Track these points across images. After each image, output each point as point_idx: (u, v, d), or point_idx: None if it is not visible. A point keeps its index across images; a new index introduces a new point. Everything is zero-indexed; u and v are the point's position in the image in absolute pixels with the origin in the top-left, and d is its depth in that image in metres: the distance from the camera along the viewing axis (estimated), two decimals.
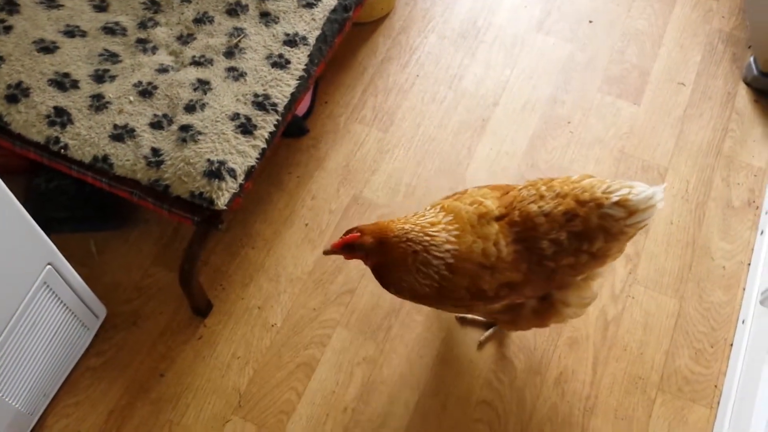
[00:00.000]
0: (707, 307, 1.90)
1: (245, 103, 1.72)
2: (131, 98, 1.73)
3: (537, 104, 2.22)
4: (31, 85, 1.71)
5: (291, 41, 1.84)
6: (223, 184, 1.61)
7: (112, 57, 1.80)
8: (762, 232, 2.00)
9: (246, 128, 1.69)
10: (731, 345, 1.85)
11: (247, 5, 1.89)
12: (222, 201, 1.61)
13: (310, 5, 1.89)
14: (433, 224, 1.42)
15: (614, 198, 1.34)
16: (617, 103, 2.23)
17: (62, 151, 1.65)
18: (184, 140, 1.65)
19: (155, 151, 1.65)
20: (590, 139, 2.16)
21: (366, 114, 2.19)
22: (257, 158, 1.68)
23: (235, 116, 1.70)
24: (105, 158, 1.65)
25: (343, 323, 1.84)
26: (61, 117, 1.68)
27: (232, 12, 1.88)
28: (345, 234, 1.46)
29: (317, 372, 1.78)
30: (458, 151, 2.13)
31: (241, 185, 1.64)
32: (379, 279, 1.50)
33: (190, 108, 1.71)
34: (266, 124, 1.71)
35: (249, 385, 1.76)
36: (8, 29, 1.78)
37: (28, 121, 1.67)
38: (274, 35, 1.85)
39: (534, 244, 1.40)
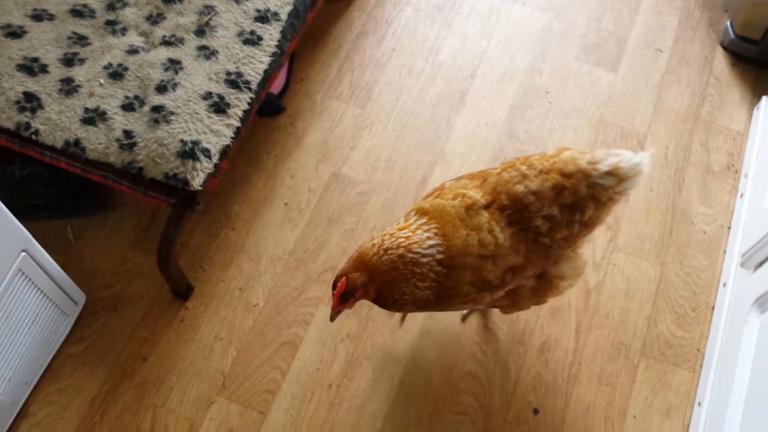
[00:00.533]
0: (688, 272, 1.91)
1: (218, 82, 1.70)
2: (101, 81, 1.70)
3: (515, 75, 2.21)
4: (0, 71, 1.68)
5: (262, 17, 1.81)
6: (198, 165, 1.59)
7: (81, 40, 1.77)
8: (742, 195, 2.00)
9: (219, 107, 1.67)
10: (713, 308, 1.86)
11: None
12: (197, 181, 1.59)
13: None
14: (401, 228, 1.38)
15: (604, 168, 1.36)
16: (595, 72, 2.22)
17: (33, 136, 1.63)
18: (156, 121, 1.63)
19: (128, 134, 1.63)
20: (569, 108, 2.15)
21: (343, 90, 2.17)
22: (232, 137, 1.66)
23: (208, 95, 1.67)
24: (77, 142, 1.62)
25: (326, 301, 1.84)
26: (30, 102, 1.65)
27: None
28: (333, 289, 1.38)
29: (301, 350, 1.78)
30: (437, 124, 2.11)
31: (216, 165, 1.63)
32: (382, 305, 1.45)
33: (161, 88, 1.68)
34: (240, 102, 1.69)
35: (233, 365, 1.76)
36: None
37: None
38: (245, 12, 1.82)
39: (528, 224, 1.39)
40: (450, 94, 2.16)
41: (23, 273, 1.49)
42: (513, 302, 1.58)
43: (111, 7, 1.82)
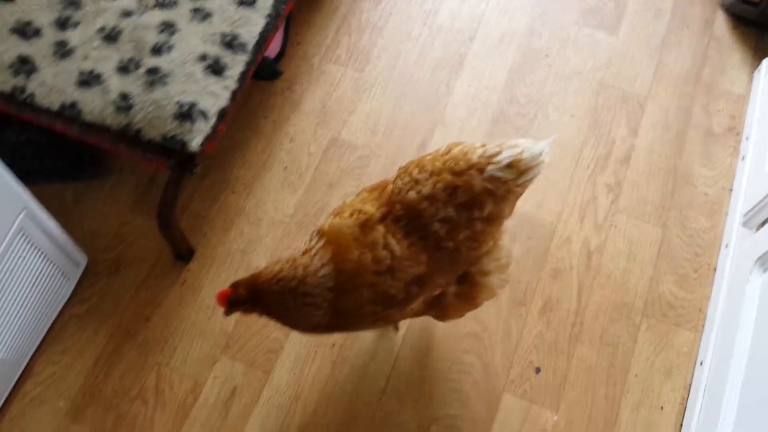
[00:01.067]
0: (690, 234, 1.91)
1: (213, 44, 1.69)
2: (96, 44, 1.69)
3: (514, 37, 2.19)
4: None
5: None
6: (195, 126, 1.58)
7: (74, 3, 1.75)
8: (743, 158, 1.99)
9: (215, 68, 1.65)
10: (715, 269, 1.85)
11: None
12: (195, 143, 1.58)
13: None
14: (305, 252, 1.34)
15: (504, 161, 1.28)
16: (595, 34, 2.20)
17: (29, 100, 1.62)
18: (152, 83, 1.62)
19: (124, 96, 1.61)
20: (569, 72, 2.13)
21: (340, 54, 2.15)
22: (229, 99, 1.64)
23: (204, 57, 1.66)
24: (73, 105, 1.61)
25: None
26: (25, 65, 1.64)
27: None
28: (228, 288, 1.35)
29: None
30: (437, 88, 2.10)
31: (213, 127, 1.61)
32: (282, 324, 1.42)
33: (156, 51, 1.67)
34: (236, 64, 1.68)
35: (236, 326, 1.76)
36: None
37: None
38: None
39: (426, 231, 1.32)
40: (449, 58, 2.15)
41: (24, 233, 1.49)
42: (442, 312, 1.52)
43: None
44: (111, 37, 1.70)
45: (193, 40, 1.69)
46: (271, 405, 1.69)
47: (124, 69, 1.66)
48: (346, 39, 2.18)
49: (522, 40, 2.18)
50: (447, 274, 1.41)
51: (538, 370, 1.74)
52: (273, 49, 2.08)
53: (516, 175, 1.30)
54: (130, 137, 1.60)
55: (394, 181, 1.36)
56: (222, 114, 1.64)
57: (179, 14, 1.73)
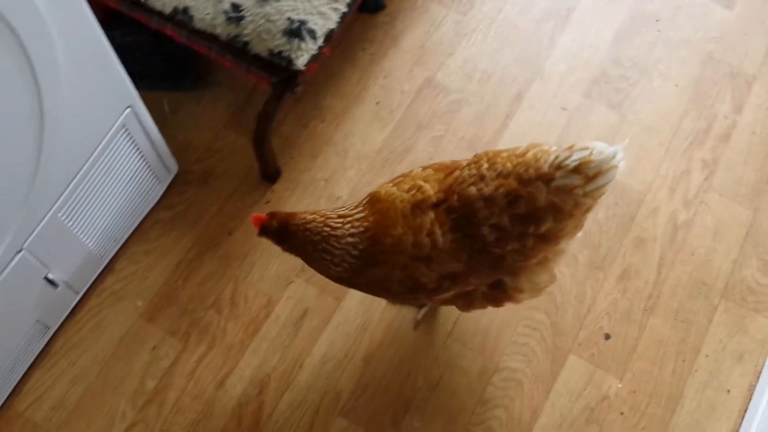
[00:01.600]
0: None
1: None
2: None
3: None
4: None
5: None
6: (303, 44, 1.58)
7: None
8: None
9: None
10: None
11: None
12: (301, 61, 1.58)
13: None
14: (341, 216, 1.32)
15: (571, 164, 1.16)
16: (709, 5, 2.11)
17: (142, 0, 1.64)
18: None
19: (235, 7, 1.61)
20: (677, 40, 2.05)
21: None
22: (338, 21, 1.63)
23: None
24: (185, 10, 1.62)
25: None
26: None
27: None
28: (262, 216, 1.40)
29: None
30: (539, 40, 2.05)
31: (320, 48, 1.61)
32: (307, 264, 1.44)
33: None
34: None
35: None
36: None
37: None
38: None
39: (474, 231, 1.25)
40: (556, 11, 2.08)
41: (126, 129, 1.52)
42: (466, 304, 1.49)
43: None
44: None
45: None
46: (339, 331, 1.72)
47: None
48: None
49: (633, 1, 2.11)
50: (483, 277, 1.36)
51: (607, 336, 1.72)
52: None
53: (584, 181, 1.17)
54: (238, 49, 1.61)
55: (462, 168, 1.29)
56: (329, 36, 1.62)
57: None
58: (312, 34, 1.59)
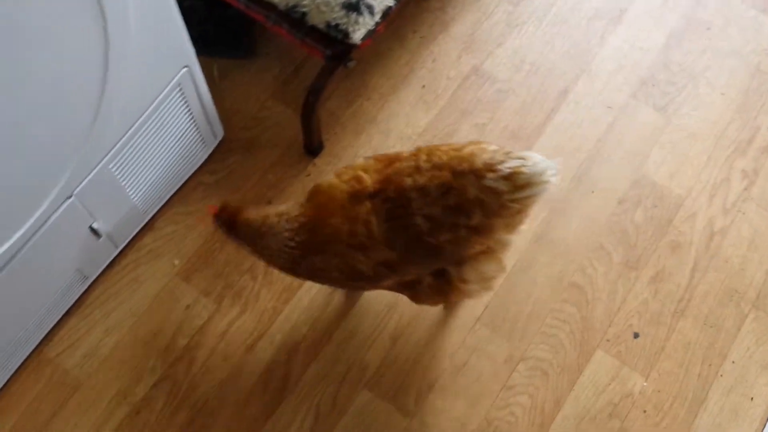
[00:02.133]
0: None
1: None
2: None
3: (679, 2, 2.10)
4: None
5: None
6: (361, 19, 1.59)
7: None
8: None
9: None
10: None
11: None
12: (357, 35, 1.60)
13: None
14: (278, 214, 1.38)
15: (504, 171, 1.20)
16: (760, 18, 2.10)
17: None
18: None
19: None
20: (727, 49, 2.05)
21: None
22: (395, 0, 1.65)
23: None
24: None
25: None
26: None
27: None
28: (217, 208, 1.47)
29: None
30: (590, 37, 2.05)
31: (376, 24, 1.62)
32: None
33: None
34: None
35: None
36: None
37: None
38: None
39: (408, 221, 1.29)
40: (608, 10, 2.09)
41: (180, 89, 1.54)
42: (414, 295, 1.52)
43: None
44: None
45: None
46: (369, 308, 1.73)
47: None
48: None
49: (687, 7, 2.10)
50: (420, 266, 1.39)
51: (636, 335, 1.73)
52: None
53: (511, 189, 1.21)
54: (295, 19, 1.62)
55: (402, 160, 1.32)
56: (386, 13, 1.64)
57: None
58: (370, 9, 1.61)
